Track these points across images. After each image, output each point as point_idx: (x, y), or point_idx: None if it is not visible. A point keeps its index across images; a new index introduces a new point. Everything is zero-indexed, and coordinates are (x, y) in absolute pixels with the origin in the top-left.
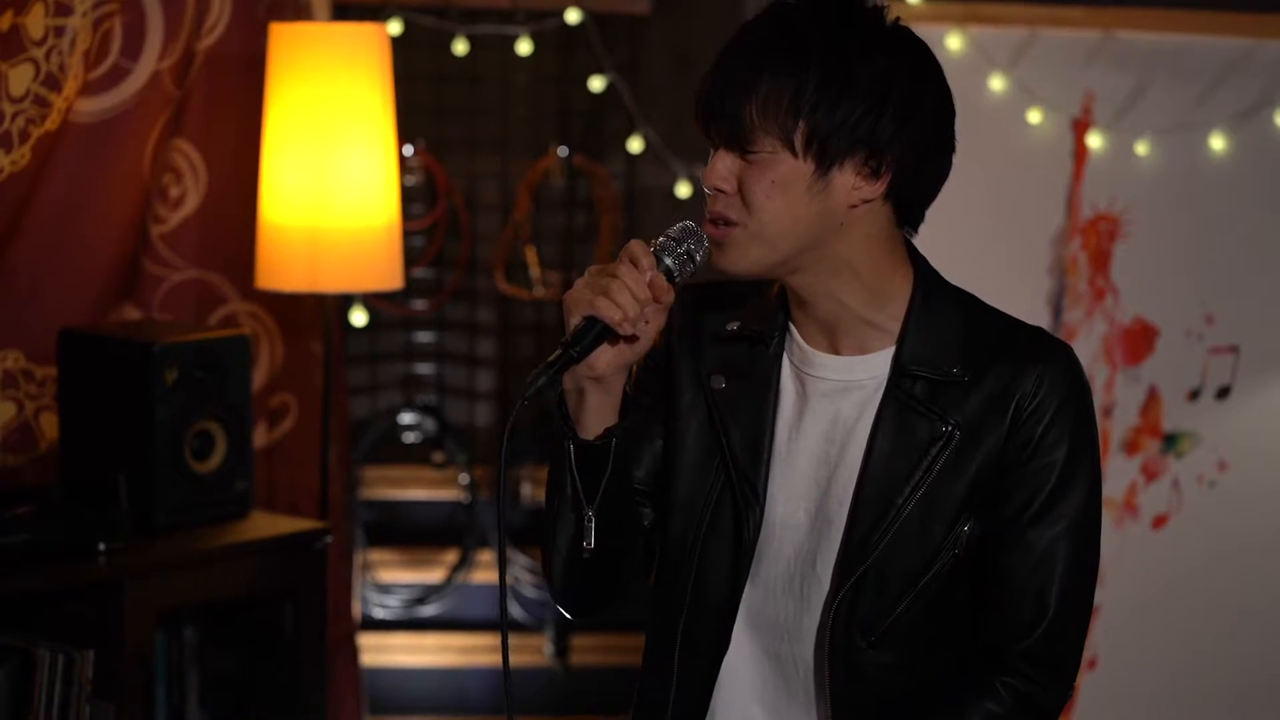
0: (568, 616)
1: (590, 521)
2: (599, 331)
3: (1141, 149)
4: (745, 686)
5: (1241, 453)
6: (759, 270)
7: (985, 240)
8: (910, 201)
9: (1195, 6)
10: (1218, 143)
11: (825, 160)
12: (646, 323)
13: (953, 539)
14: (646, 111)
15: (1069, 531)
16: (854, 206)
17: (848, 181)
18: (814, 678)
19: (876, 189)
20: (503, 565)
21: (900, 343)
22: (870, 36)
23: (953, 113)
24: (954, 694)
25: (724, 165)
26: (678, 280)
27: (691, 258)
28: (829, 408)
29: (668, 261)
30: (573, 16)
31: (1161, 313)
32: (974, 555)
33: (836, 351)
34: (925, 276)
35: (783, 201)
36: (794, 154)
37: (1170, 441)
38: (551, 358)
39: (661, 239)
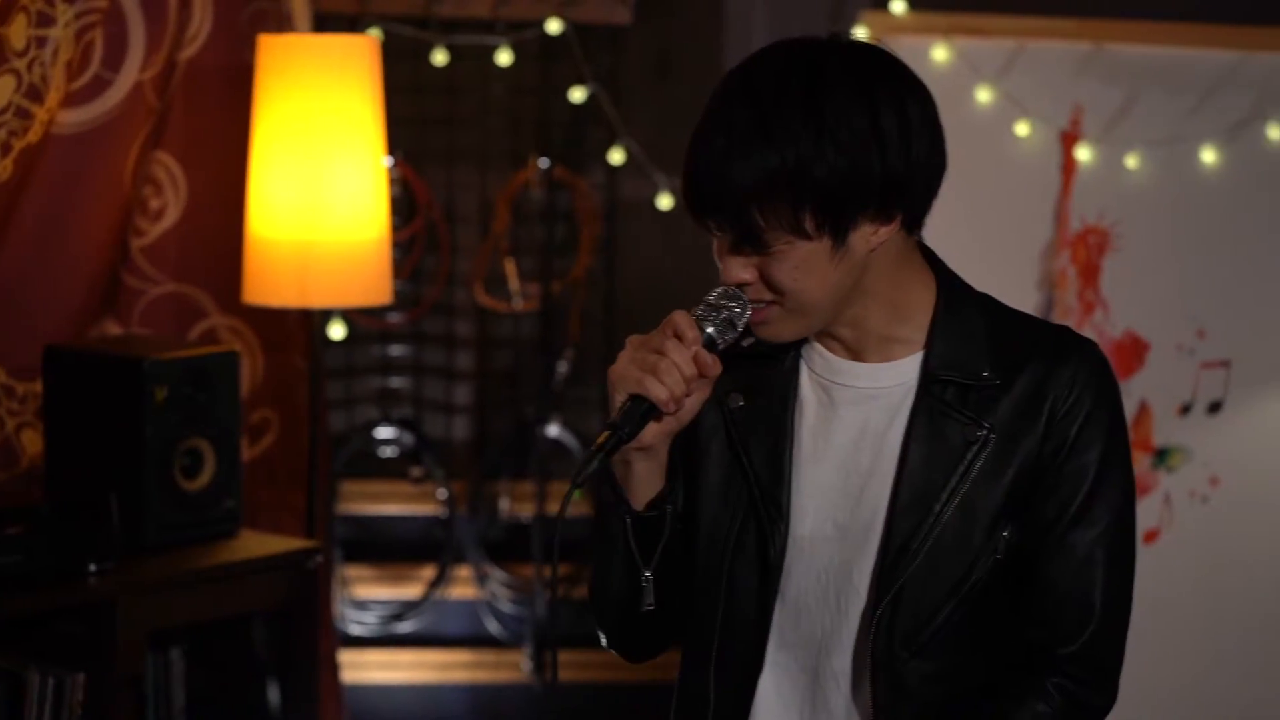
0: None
1: (648, 584)
2: (646, 410)
3: (1131, 162)
4: (783, 705)
5: (1233, 468)
6: (802, 336)
7: (972, 253)
8: (919, 216)
9: (1186, 19)
10: (1209, 156)
11: (841, 230)
12: (689, 395)
13: (992, 544)
14: (628, 123)
15: (1109, 532)
16: (873, 250)
17: (864, 234)
18: (855, 691)
19: (891, 229)
20: (553, 657)
21: (928, 348)
22: (841, 82)
23: (936, 111)
24: (1001, 695)
25: (739, 264)
26: (720, 348)
27: (733, 324)
28: (857, 415)
29: (710, 330)
30: (553, 27)
31: (1152, 327)
32: (1014, 559)
33: (860, 359)
34: (946, 282)
35: (811, 279)
36: (808, 238)
37: (1161, 456)
38: (601, 439)
39: (702, 308)
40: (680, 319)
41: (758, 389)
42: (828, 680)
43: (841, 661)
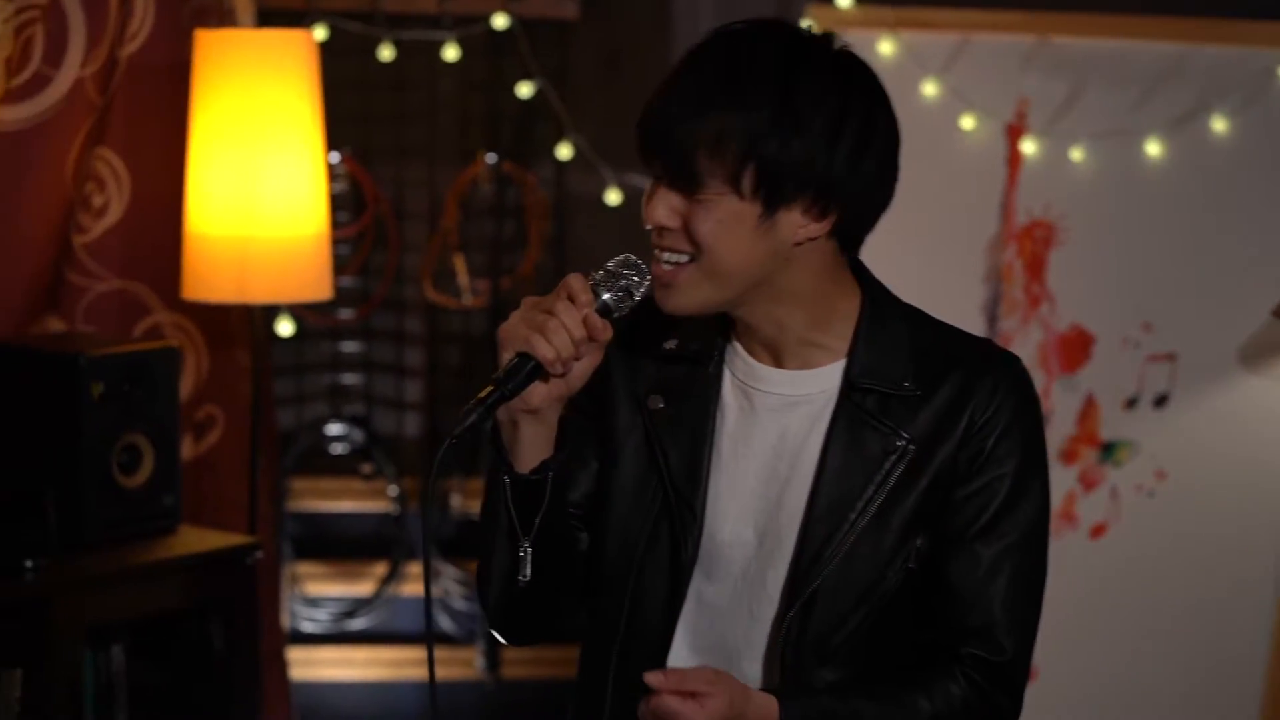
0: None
1: (526, 554)
2: (531, 369)
3: (1076, 155)
4: None
5: (1180, 461)
6: (706, 309)
7: (919, 248)
8: (854, 233)
9: (1131, 11)
10: (1154, 148)
11: (773, 202)
12: (579, 359)
13: (905, 553)
14: (575, 117)
15: (1018, 544)
16: (799, 244)
17: (794, 220)
18: None
19: (823, 228)
20: (429, 609)
21: (850, 356)
22: (820, 72)
23: (899, 143)
24: (915, 674)
25: (666, 204)
26: (615, 316)
27: (630, 293)
28: (777, 422)
29: (605, 297)
30: (500, 22)
31: (1098, 320)
32: (924, 568)
33: (781, 366)
34: (873, 294)
35: (730, 240)
36: (740, 196)
37: (1108, 450)
38: (483, 394)
39: (600, 273)
40: (574, 281)
41: (680, 392)
42: None
43: (753, 667)
